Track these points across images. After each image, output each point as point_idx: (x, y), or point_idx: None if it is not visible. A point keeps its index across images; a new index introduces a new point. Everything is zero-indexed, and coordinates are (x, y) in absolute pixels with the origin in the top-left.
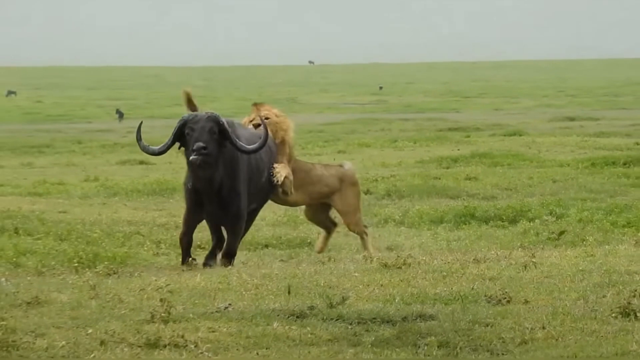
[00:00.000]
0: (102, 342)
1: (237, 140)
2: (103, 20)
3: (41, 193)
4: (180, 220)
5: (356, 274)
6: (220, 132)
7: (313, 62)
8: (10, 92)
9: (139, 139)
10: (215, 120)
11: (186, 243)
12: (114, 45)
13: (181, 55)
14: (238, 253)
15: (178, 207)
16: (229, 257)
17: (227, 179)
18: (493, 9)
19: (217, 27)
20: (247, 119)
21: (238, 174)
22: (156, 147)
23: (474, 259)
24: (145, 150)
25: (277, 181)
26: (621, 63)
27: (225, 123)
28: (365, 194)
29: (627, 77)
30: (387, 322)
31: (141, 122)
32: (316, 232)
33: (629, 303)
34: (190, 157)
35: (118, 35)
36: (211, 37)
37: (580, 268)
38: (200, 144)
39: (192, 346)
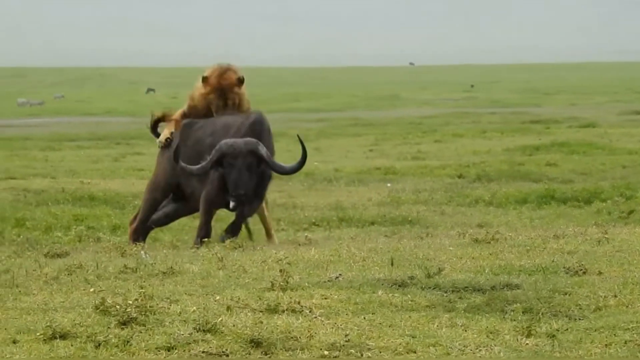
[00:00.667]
0: (228, 308)
1: (275, 163)
2: (229, 23)
3: None
4: (297, 201)
5: (451, 248)
6: (259, 162)
7: (413, 64)
8: (149, 90)
9: (176, 159)
10: (254, 153)
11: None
12: (237, 47)
13: (298, 59)
14: (347, 230)
15: (295, 190)
16: (236, 234)
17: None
18: (565, 15)
19: (326, 33)
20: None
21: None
22: (194, 167)
23: (553, 235)
24: (184, 168)
25: None
26: None
27: (264, 154)
28: (459, 177)
29: None
30: (478, 290)
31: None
32: (416, 211)
33: None
34: (230, 205)
35: (243, 40)
36: (320, 42)
37: None
38: (240, 191)
39: (307, 311)
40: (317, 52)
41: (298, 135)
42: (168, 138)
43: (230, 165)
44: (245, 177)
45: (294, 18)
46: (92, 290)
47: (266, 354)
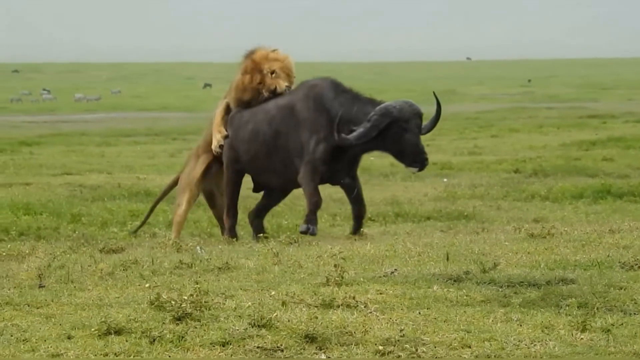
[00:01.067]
0: (283, 303)
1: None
2: (289, 18)
3: None
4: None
5: (506, 243)
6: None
7: (470, 58)
8: (206, 85)
9: (338, 130)
10: (420, 114)
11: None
12: (296, 43)
13: (356, 52)
14: (403, 225)
15: None
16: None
17: None
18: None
19: (377, 28)
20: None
21: None
22: (351, 137)
23: (609, 230)
24: (342, 141)
25: None
26: None
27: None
28: (515, 172)
29: None
30: (533, 285)
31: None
32: (472, 206)
33: None
34: (415, 170)
35: (294, 36)
36: (373, 38)
37: None
38: (426, 155)
39: (362, 306)
40: (368, 47)
41: (434, 93)
42: (221, 144)
43: (404, 129)
44: (420, 139)
45: (342, 16)
46: (147, 285)
47: (321, 349)
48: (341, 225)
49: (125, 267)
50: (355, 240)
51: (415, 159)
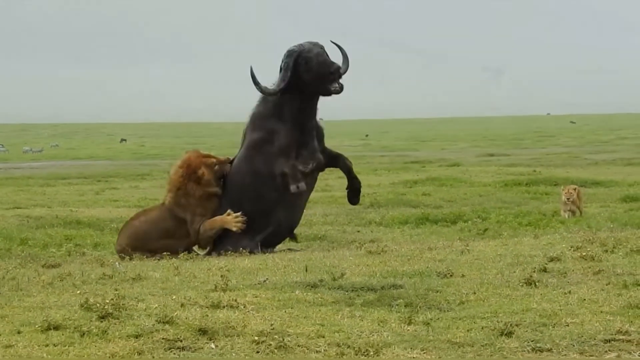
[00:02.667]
0: (182, 304)
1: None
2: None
3: (143, 206)
4: None
5: (350, 258)
6: None
7: (322, 119)
8: (122, 140)
9: (256, 82)
10: (319, 45)
11: None
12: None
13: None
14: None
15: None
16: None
17: None
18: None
19: None
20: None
21: None
22: (273, 87)
23: (428, 248)
24: (266, 91)
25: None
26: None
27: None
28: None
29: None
30: (371, 289)
31: (251, 68)
32: (324, 230)
33: (531, 276)
34: (337, 88)
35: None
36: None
37: (499, 253)
38: (337, 64)
39: (242, 307)
40: None
41: (332, 41)
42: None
43: (310, 57)
44: None
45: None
46: (78, 292)
47: (211, 340)
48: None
49: (61, 278)
50: (236, 256)
51: (329, 71)
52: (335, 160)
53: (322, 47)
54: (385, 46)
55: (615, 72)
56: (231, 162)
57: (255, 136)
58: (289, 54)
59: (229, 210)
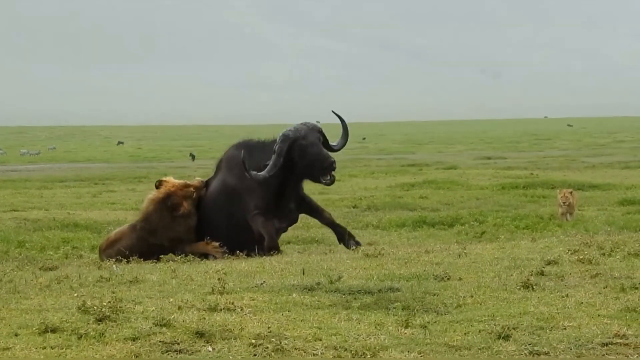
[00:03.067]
0: (179, 307)
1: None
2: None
3: (140, 209)
4: None
5: (348, 261)
6: None
7: (319, 122)
8: (119, 142)
9: (246, 170)
10: (317, 129)
11: None
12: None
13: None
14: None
15: None
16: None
17: None
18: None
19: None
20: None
21: None
22: (263, 172)
23: (425, 251)
24: (256, 177)
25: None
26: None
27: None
28: (353, 207)
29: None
30: (368, 292)
31: (244, 156)
32: (321, 233)
33: (528, 279)
34: (328, 180)
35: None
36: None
37: (496, 256)
38: (331, 159)
39: (239, 309)
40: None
41: (333, 111)
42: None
43: (305, 145)
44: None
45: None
46: (75, 295)
47: (208, 342)
48: None
49: (59, 281)
50: (232, 259)
51: (323, 166)
52: (316, 214)
53: (319, 131)
54: (382, 48)
55: (613, 75)
56: (206, 183)
57: (234, 183)
58: (284, 138)
59: (207, 238)
